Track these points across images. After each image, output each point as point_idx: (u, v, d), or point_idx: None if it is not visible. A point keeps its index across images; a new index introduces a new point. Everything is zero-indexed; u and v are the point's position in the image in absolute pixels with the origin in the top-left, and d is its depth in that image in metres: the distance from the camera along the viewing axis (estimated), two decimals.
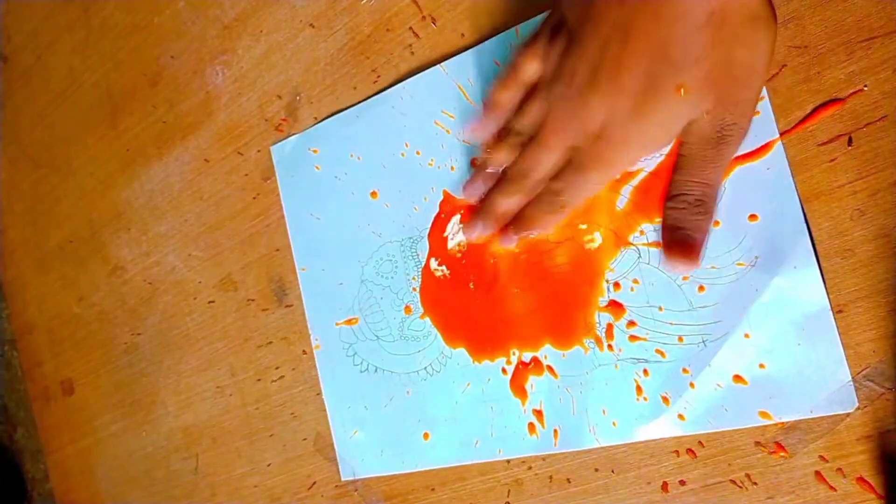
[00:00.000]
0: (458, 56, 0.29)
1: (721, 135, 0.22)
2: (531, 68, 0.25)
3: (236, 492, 0.38)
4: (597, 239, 0.27)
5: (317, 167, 0.33)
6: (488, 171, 0.27)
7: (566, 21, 0.23)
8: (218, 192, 0.37)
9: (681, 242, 0.23)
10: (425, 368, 0.31)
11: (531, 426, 0.29)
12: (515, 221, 0.26)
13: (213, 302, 0.38)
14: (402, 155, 0.31)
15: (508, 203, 0.26)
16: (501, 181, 0.26)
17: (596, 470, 0.28)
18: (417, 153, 0.31)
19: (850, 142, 0.23)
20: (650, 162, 0.25)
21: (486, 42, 0.29)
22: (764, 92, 0.24)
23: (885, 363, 0.23)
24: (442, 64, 0.30)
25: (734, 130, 0.21)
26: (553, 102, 0.24)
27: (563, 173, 0.24)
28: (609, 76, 0.22)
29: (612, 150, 0.23)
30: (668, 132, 0.22)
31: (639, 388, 0.26)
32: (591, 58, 0.22)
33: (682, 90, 0.21)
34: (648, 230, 0.26)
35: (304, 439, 0.35)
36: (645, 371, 0.26)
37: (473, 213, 0.28)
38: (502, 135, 0.26)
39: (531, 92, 0.25)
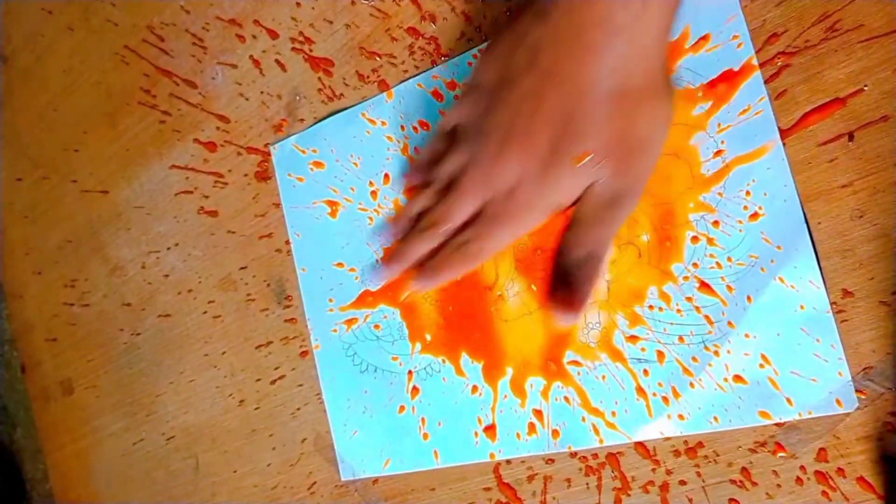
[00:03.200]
0: (457, 57, 0.29)
1: (615, 199, 0.23)
2: (456, 121, 0.26)
3: (236, 492, 0.38)
4: None
5: (317, 167, 0.33)
6: (408, 215, 0.28)
7: (486, 84, 0.25)
8: (218, 192, 0.37)
9: (566, 295, 0.24)
10: (425, 368, 0.31)
11: (531, 426, 0.29)
12: (426, 266, 0.27)
13: (213, 302, 0.38)
14: (401, 154, 0.31)
15: (421, 248, 0.27)
16: (417, 227, 0.27)
17: (596, 470, 0.28)
18: (417, 151, 0.31)
19: (850, 137, 0.23)
20: None
21: (487, 43, 0.29)
22: (764, 92, 0.24)
23: (885, 363, 0.23)
24: (443, 64, 0.30)
25: (628, 195, 0.23)
26: (472, 156, 0.25)
27: (474, 224, 0.25)
28: (520, 141, 0.23)
29: (521, 209, 0.24)
30: (570, 195, 0.24)
31: (639, 389, 0.26)
32: (505, 121, 0.23)
33: (584, 158, 0.22)
34: (649, 231, 0.26)
35: (304, 439, 0.35)
36: (645, 371, 0.26)
37: (390, 254, 0.28)
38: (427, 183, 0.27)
39: (453, 143, 0.26)
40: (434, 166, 0.27)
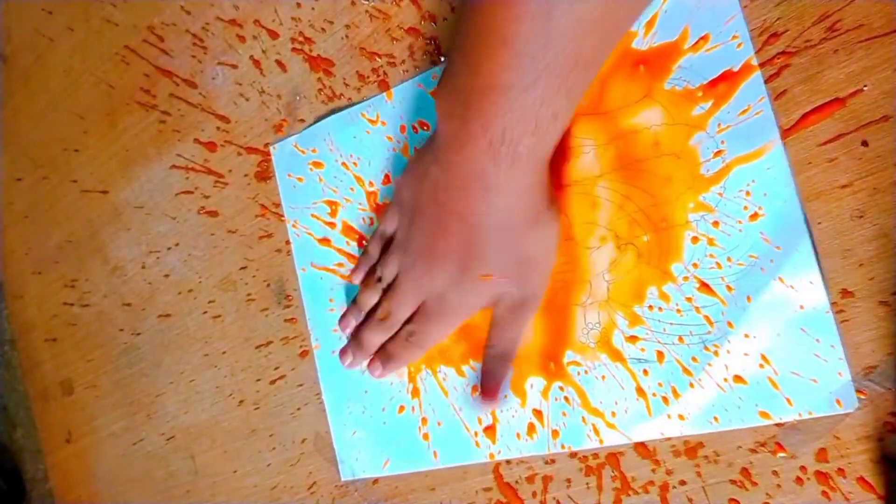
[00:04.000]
0: None
1: (519, 305, 0.27)
2: (390, 230, 0.30)
3: (236, 492, 0.38)
4: (597, 240, 0.27)
5: (317, 167, 0.33)
6: (360, 309, 0.31)
7: (405, 203, 0.28)
8: (218, 192, 0.37)
9: (486, 386, 0.28)
10: (425, 369, 0.31)
11: (531, 426, 0.29)
12: (379, 355, 0.31)
13: (213, 302, 0.38)
14: (401, 154, 0.31)
15: (373, 339, 0.30)
16: (368, 319, 0.31)
17: (596, 470, 0.28)
18: (417, 152, 0.31)
19: (865, 143, 0.23)
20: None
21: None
22: (764, 92, 0.24)
23: (885, 363, 0.23)
24: (443, 64, 0.30)
25: (530, 300, 0.27)
26: (404, 264, 0.29)
27: (416, 318, 0.29)
28: (436, 261, 0.27)
29: (451, 310, 0.28)
30: (486, 301, 0.28)
31: (639, 389, 0.26)
32: (423, 245, 0.27)
33: (487, 278, 0.26)
34: (649, 231, 0.26)
35: (304, 439, 0.35)
36: (645, 371, 0.26)
37: (347, 344, 0.32)
38: (370, 277, 0.31)
39: (389, 247, 0.30)
40: (374, 265, 0.31)
